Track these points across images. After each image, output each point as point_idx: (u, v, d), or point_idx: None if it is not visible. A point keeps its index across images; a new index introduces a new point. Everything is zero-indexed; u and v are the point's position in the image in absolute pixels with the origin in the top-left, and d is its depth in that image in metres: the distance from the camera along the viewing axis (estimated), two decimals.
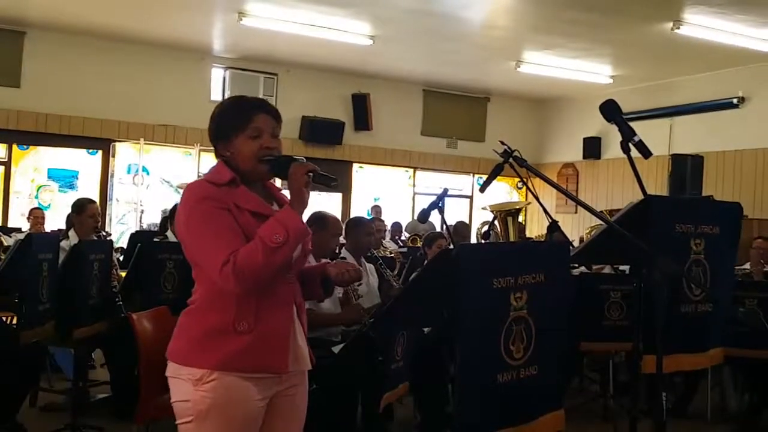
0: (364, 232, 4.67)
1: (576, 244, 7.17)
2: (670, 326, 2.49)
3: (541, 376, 2.22)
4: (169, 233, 5.57)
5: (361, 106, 12.62)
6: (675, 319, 2.60)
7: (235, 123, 2.23)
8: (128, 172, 11.53)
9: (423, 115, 13.48)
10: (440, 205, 4.48)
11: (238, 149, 2.22)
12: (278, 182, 2.41)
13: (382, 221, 9.06)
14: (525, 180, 3.47)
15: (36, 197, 10.98)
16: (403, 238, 11.05)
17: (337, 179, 2.25)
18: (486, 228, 8.15)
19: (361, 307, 4.13)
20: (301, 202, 2.14)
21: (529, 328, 2.18)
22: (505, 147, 2.84)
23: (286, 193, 2.31)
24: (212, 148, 2.36)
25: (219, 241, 2.08)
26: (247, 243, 2.08)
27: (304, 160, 2.21)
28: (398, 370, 3.71)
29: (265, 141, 2.21)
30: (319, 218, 4.26)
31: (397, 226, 11.43)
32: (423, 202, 12.29)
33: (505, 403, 2.13)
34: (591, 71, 11.36)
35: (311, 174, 2.16)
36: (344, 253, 4.42)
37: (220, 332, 2.12)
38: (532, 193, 3.56)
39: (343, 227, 4.71)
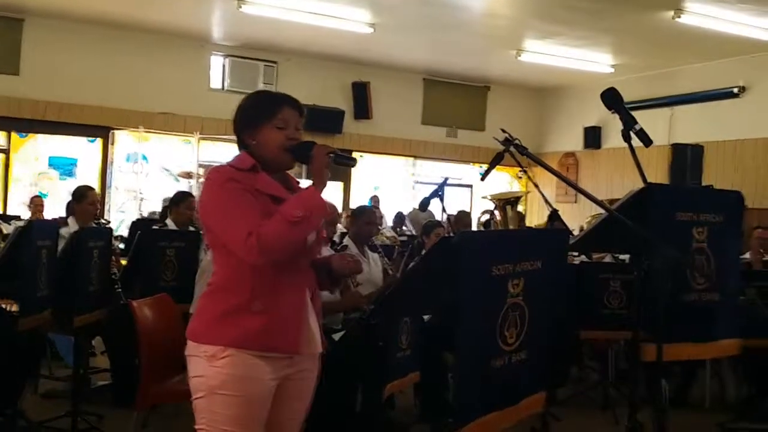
0: (364, 221, 4.67)
1: (576, 233, 7.17)
2: (672, 315, 2.49)
3: (529, 361, 2.25)
4: (169, 221, 5.56)
5: (361, 95, 12.59)
6: (678, 307, 2.59)
7: (263, 113, 2.32)
8: (128, 160, 11.53)
9: (423, 103, 13.46)
10: (440, 193, 4.49)
11: (264, 138, 2.31)
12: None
13: (378, 209, 9.03)
14: (525, 169, 3.47)
15: (36, 185, 10.98)
16: (405, 230, 10.89)
17: (356, 160, 2.36)
18: (486, 217, 8.16)
19: (359, 294, 4.13)
20: (321, 180, 2.25)
21: (524, 315, 2.20)
22: (506, 135, 2.83)
23: (304, 184, 2.41)
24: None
25: (243, 216, 2.18)
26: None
27: None
28: (404, 359, 3.70)
29: (290, 132, 2.32)
30: None
31: (399, 217, 11.37)
32: (423, 191, 12.29)
33: (499, 388, 2.15)
34: (592, 60, 11.33)
35: (332, 155, 2.26)
36: (347, 241, 4.43)
37: (235, 311, 2.22)
38: (532, 181, 3.57)
39: (343, 216, 4.70)
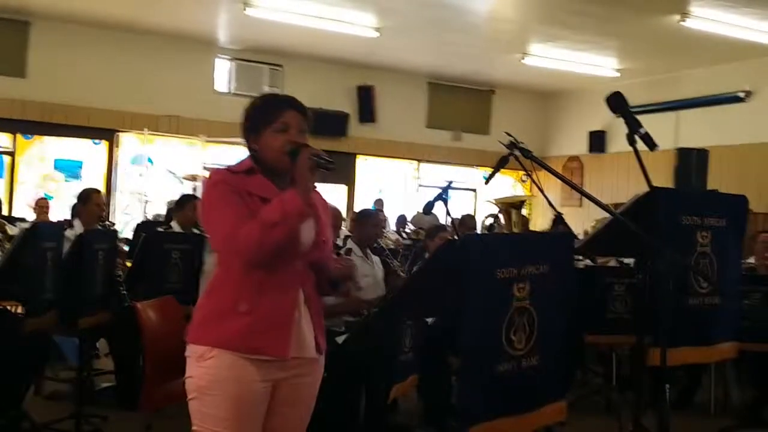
0: (370, 224, 4.68)
1: (581, 237, 7.16)
2: (676, 319, 2.49)
3: (543, 367, 2.23)
4: (174, 223, 5.57)
5: (366, 98, 12.61)
6: (681, 312, 2.59)
7: (265, 117, 2.32)
8: (133, 162, 11.55)
9: (428, 107, 13.47)
10: (445, 197, 4.47)
11: (265, 142, 2.30)
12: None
13: (382, 212, 9.06)
14: (530, 172, 3.46)
15: (41, 187, 11.00)
16: (407, 230, 11.05)
17: (334, 162, 2.28)
18: (490, 221, 8.15)
19: (360, 299, 4.14)
20: (303, 183, 2.21)
21: (532, 319, 2.19)
22: (511, 139, 2.83)
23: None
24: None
25: (226, 217, 2.20)
26: None
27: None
28: (407, 361, 3.70)
29: (292, 135, 2.29)
30: None
31: (401, 219, 11.43)
32: (427, 195, 12.27)
33: (507, 393, 2.14)
34: (597, 64, 11.32)
35: (314, 157, 2.22)
36: (350, 244, 4.42)
37: (223, 312, 2.22)
38: (537, 185, 3.55)
39: (347, 219, 4.70)
